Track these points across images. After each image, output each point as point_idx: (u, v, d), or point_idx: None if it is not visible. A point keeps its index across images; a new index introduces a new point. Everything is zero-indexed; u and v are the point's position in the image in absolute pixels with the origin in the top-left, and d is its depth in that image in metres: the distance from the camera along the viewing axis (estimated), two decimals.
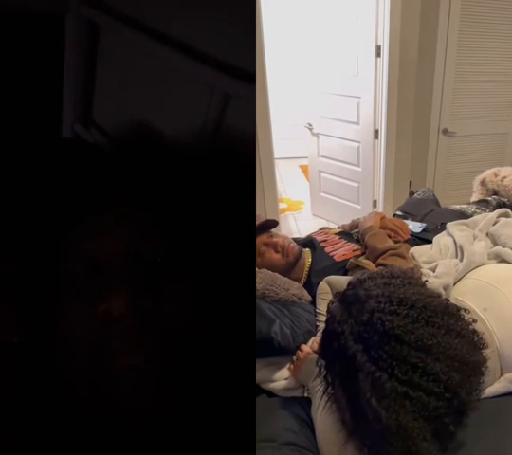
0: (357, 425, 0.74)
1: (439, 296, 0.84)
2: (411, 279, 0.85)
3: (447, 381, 0.70)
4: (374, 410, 0.68)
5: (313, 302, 1.31)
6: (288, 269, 1.41)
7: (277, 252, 1.41)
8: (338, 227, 1.73)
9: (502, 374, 0.98)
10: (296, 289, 1.24)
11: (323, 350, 0.82)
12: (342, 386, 0.75)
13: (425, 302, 0.77)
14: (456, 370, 0.71)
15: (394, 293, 0.77)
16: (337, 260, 1.42)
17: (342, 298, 0.81)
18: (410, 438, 0.68)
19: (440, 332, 0.73)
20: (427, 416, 0.69)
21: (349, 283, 0.85)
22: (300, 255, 1.44)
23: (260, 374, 1.11)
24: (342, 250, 1.45)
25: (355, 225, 1.67)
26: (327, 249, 1.47)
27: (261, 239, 1.41)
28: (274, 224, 1.50)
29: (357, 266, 1.32)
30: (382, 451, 0.72)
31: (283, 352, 1.14)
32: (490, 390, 0.94)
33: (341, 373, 0.75)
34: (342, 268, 1.37)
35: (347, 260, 1.39)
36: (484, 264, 1.27)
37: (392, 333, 0.71)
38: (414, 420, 0.69)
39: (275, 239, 1.43)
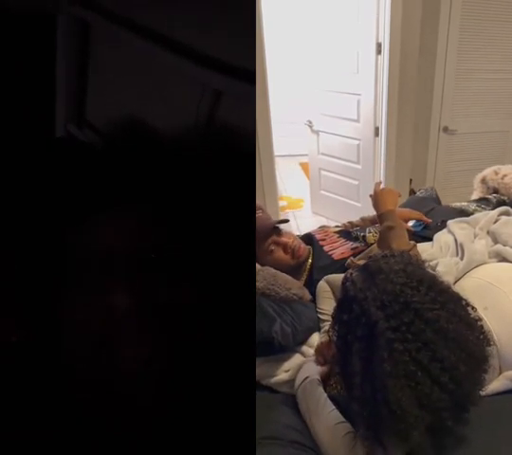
0: (363, 394, 0.75)
1: (449, 287, 0.85)
2: (426, 266, 0.88)
3: (453, 371, 0.71)
4: (385, 382, 0.70)
5: (313, 301, 1.31)
6: (294, 269, 1.42)
7: (287, 253, 1.42)
8: (340, 226, 1.73)
9: (500, 373, 0.99)
10: (297, 289, 1.24)
11: (340, 314, 0.83)
12: (358, 353, 0.76)
13: (441, 287, 0.79)
14: (463, 361, 0.72)
15: (414, 272, 0.79)
16: (335, 258, 1.42)
17: (364, 267, 0.83)
18: (405, 423, 0.69)
19: (454, 319, 0.75)
20: (427, 406, 0.70)
21: (369, 257, 0.87)
22: (308, 256, 1.45)
23: (259, 371, 1.11)
24: (341, 249, 1.46)
25: (370, 219, 1.65)
26: (326, 248, 1.47)
27: (271, 238, 1.41)
28: (285, 222, 1.50)
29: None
30: (377, 428, 0.73)
31: (283, 350, 1.14)
32: (489, 388, 0.94)
33: (359, 337, 0.76)
34: (341, 267, 1.37)
35: (345, 258, 1.39)
36: (484, 263, 1.27)
37: (413, 307, 0.73)
38: (414, 406, 0.70)
39: (285, 239, 1.43)
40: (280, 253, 1.41)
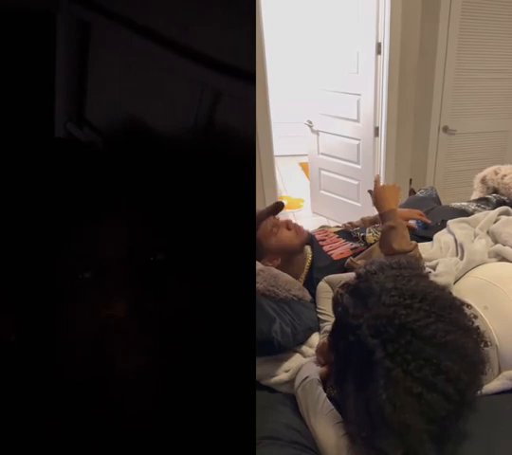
0: (359, 416, 0.74)
1: (443, 288, 0.84)
2: (418, 270, 0.85)
3: (457, 382, 0.70)
4: (382, 407, 0.69)
5: (313, 301, 1.31)
6: (298, 251, 1.41)
7: (290, 229, 1.42)
8: (340, 226, 1.73)
9: (500, 372, 0.98)
10: (297, 290, 1.24)
11: (335, 342, 0.82)
12: (353, 378, 0.75)
13: (434, 296, 0.77)
14: (465, 371, 0.71)
15: (406, 286, 0.77)
16: (335, 259, 1.42)
17: (354, 290, 0.80)
18: (413, 438, 0.69)
19: (452, 328, 0.74)
20: (433, 418, 0.69)
21: (358, 275, 0.84)
22: (309, 238, 1.45)
23: (259, 371, 1.10)
24: (341, 249, 1.46)
25: (370, 220, 1.65)
26: (325, 248, 1.47)
27: (269, 220, 1.41)
28: (281, 205, 1.47)
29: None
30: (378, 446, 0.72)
31: (283, 351, 1.14)
32: (488, 387, 0.94)
33: (355, 365, 0.75)
34: (341, 267, 1.38)
35: (345, 258, 1.39)
36: (484, 263, 1.27)
37: (408, 327, 0.71)
38: (421, 421, 0.69)
39: (283, 219, 1.43)
40: (284, 231, 1.41)
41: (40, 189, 0.80)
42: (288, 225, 1.42)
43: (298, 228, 1.43)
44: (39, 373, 0.77)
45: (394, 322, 0.72)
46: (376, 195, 1.33)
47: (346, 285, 0.83)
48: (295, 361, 1.14)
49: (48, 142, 1.18)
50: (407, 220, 1.52)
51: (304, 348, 1.18)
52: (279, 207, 1.41)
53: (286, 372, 1.12)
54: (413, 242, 1.26)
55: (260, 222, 1.38)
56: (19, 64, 1.34)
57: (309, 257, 1.45)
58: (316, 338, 1.20)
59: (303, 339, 1.19)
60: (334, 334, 0.84)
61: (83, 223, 0.77)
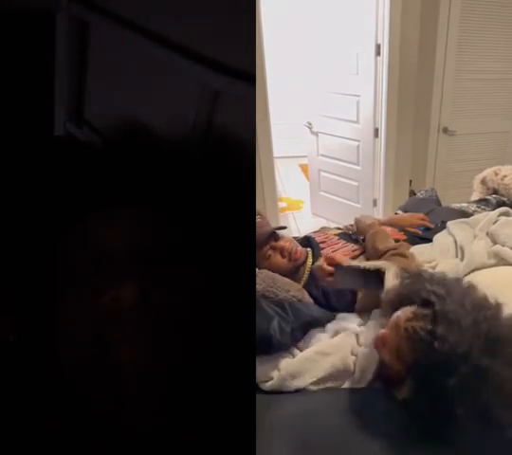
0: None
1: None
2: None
3: None
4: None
5: (313, 304, 1.30)
6: (292, 272, 1.41)
7: (283, 257, 1.41)
8: (341, 228, 1.72)
9: None
10: (296, 291, 1.24)
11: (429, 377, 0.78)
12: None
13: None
14: None
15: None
16: None
17: (436, 317, 0.79)
18: None
19: None
20: None
21: (426, 300, 0.83)
22: (306, 259, 1.44)
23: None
24: (341, 251, 1.45)
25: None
26: (326, 250, 1.47)
27: (268, 243, 1.41)
28: (283, 229, 1.50)
29: None
30: None
31: (281, 349, 1.13)
32: None
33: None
34: None
35: None
36: (483, 264, 1.27)
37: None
38: None
39: (281, 243, 1.43)
40: (277, 257, 1.41)
41: (40, 187, 0.80)
42: (282, 251, 1.41)
43: (292, 255, 1.41)
44: (39, 370, 0.77)
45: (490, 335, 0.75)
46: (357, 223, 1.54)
47: (421, 316, 0.81)
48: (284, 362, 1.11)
49: (48, 141, 1.18)
50: (409, 227, 1.57)
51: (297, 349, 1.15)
52: (280, 229, 1.47)
53: (279, 371, 1.10)
54: (403, 243, 1.35)
55: (261, 246, 1.39)
56: (19, 64, 1.33)
57: (309, 262, 1.45)
58: (320, 338, 1.17)
59: (301, 337, 1.17)
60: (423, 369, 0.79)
61: (82, 221, 0.77)
